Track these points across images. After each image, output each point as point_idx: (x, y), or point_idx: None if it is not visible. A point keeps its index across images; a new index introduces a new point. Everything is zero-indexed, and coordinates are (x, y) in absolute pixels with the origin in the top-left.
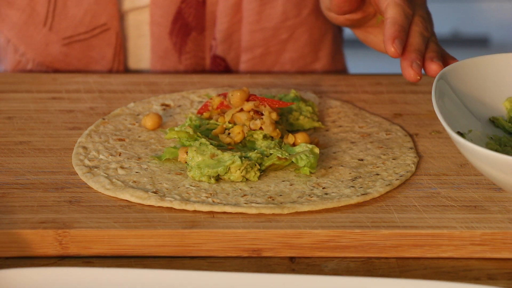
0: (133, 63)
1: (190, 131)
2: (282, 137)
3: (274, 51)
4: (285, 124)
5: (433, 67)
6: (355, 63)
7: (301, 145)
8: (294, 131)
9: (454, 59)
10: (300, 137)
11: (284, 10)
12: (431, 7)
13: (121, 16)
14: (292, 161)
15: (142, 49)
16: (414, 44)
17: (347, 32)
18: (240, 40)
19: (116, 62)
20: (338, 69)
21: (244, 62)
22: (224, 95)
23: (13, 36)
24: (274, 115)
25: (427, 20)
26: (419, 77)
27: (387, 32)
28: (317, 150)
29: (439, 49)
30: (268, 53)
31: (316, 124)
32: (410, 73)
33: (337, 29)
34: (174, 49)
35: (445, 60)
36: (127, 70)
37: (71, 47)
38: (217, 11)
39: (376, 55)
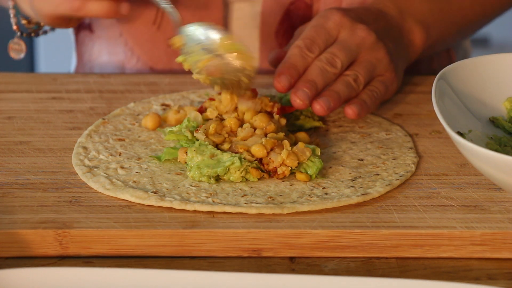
0: None
1: (189, 135)
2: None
3: None
4: (286, 124)
5: (348, 111)
6: None
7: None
8: (294, 130)
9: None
10: (300, 137)
11: None
12: None
13: (226, 21)
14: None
15: None
16: (307, 75)
17: None
18: None
19: None
20: None
21: None
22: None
23: (125, 30)
24: (283, 121)
25: (358, 62)
26: (301, 103)
27: (276, 69)
28: (318, 151)
29: (367, 96)
30: None
31: (317, 124)
32: (295, 100)
33: None
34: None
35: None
36: None
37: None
38: None
39: None
